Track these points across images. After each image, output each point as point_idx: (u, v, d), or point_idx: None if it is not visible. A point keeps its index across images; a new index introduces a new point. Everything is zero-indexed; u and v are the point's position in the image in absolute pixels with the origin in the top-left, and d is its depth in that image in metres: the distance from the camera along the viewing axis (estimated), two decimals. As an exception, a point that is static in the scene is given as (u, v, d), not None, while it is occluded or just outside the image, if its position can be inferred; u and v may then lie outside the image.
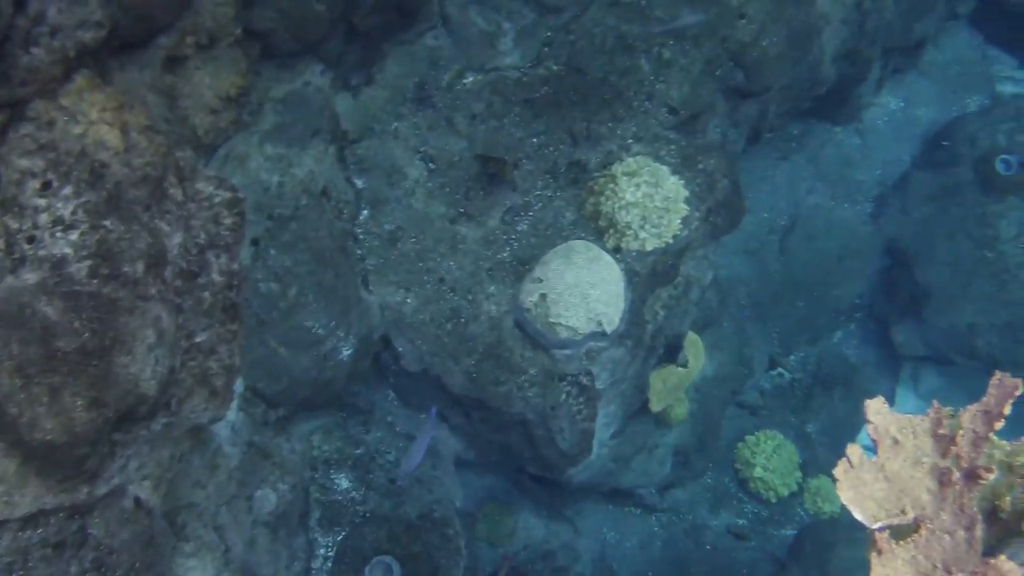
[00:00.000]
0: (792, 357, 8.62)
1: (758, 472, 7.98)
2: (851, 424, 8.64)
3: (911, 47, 8.15)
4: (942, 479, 3.57)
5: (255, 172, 5.40)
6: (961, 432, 3.64)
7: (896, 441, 3.83)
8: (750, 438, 8.15)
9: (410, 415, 6.52)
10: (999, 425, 3.59)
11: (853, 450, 3.65)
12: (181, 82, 4.63)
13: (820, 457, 8.29)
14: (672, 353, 6.56)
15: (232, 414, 5.31)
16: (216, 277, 4.09)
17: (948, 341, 8.11)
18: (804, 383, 8.58)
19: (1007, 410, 3.63)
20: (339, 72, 5.89)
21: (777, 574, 7.74)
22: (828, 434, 8.47)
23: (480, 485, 7.25)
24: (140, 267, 3.65)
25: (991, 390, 3.75)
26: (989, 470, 3.44)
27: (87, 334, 3.40)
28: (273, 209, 5.44)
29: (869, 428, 3.79)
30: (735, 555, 7.87)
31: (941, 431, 3.72)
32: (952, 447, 3.59)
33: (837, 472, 3.56)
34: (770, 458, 8.01)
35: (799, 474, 8.11)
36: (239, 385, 5.39)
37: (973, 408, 3.78)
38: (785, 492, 8.03)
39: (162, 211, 3.91)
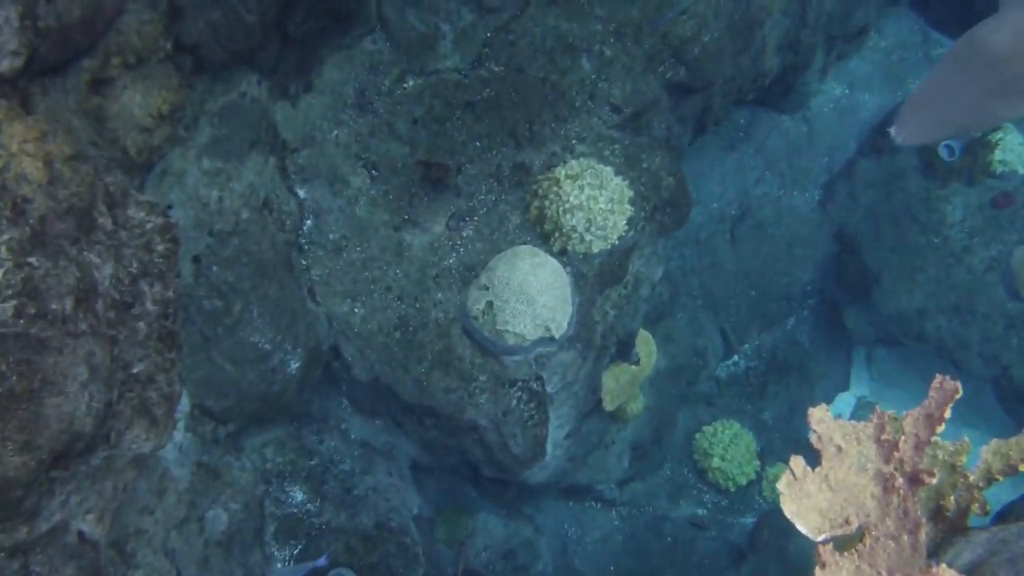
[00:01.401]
0: (746, 345, 8.66)
1: (716, 462, 8.03)
2: (806, 409, 8.67)
3: (853, 34, 8.17)
4: (886, 485, 3.58)
5: (193, 188, 5.30)
6: (904, 437, 3.65)
7: (840, 449, 3.82)
8: (707, 428, 8.20)
9: (364, 421, 6.48)
10: (941, 429, 3.60)
11: (796, 462, 3.63)
12: (109, 103, 4.52)
13: (777, 444, 8.36)
14: (624, 351, 6.55)
15: (179, 435, 5.24)
16: (150, 306, 4.01)
17: (898, 325, 8.18)
18: (759, 371, 8.64)
19: (948, 413, 3.64)
20: (276, 80, 5.79)
21: (737, 562, 7.80)
22: (785, 420, 8.54)
23: (438, 488, 7.23)
24: (69, 303, 3.57)
25: (932, 394, 3.76)
26: (932, 474, 3.46)
27: (15, 377, 3.31)
28: (213, 225, 5.35)
29: (813, 437, 3.79)
30: (696, 545, 7.92)
31: (884, 436, 3.73)
32: (895, 452, 3.60)
33: (780, 486, 3.54)
34: (728, 448, 8.06)
35: (757, 462, 8.17)
36: (185, 405, 5.32)
37: (915, 412, 3.79)
38: (744, 481, 8.09)
39: (91, 242, 3.82)
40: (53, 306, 3.51)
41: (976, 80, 4.29)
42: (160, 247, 4.08)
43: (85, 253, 3.76)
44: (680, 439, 8.12)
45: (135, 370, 4.01)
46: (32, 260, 3.49)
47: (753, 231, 8.33)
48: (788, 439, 8.42)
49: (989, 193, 7.89)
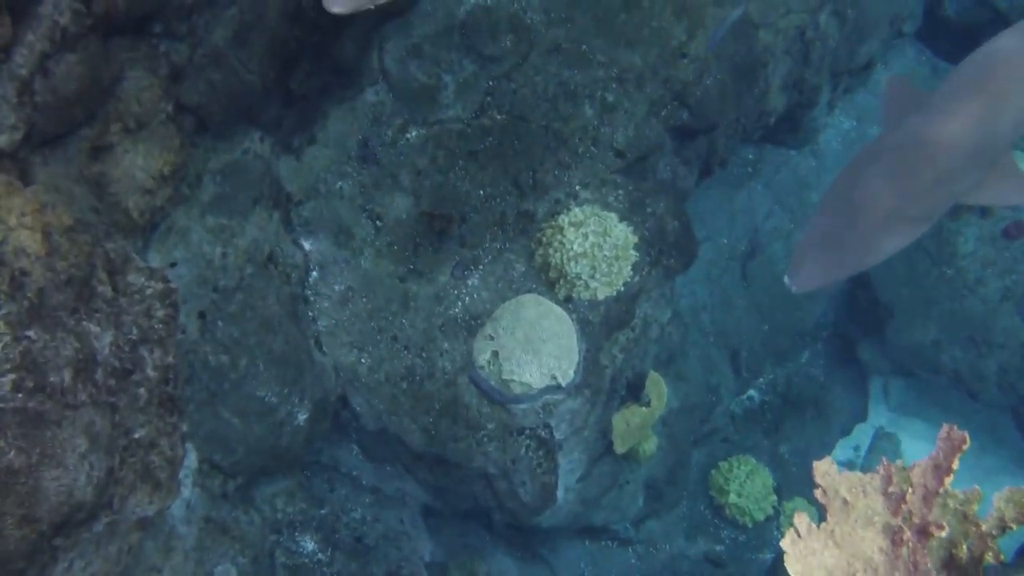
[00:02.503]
0: (761, 380, 8.62)
1: (732, 498, 7.97)
2: (824, 443, 8.66)
3: (859, 69, 8.16)
4: (894, 538, 3.55)
5: (197, 245, 5.35)
6: (912, 488, 3.61)
7: (846, 502, 3.78)
8: (723, 464, 8.15)
9: (375, 468, 6.49)
10: (949, 480, 3.56)
11: (800, 519, 3.59)
12: (110, 168, 4.58)
13: (794, 478, 8.29)
14: (635, 392, 6.54)
15: (187, 491, 5.27)
16: (151, 372, 4.05)
17: (913, 358, 8.13)
18: (774, 405, 8.59)
19: (956, 464, 3.60)
20: (279, 136, 5.85)
21: (756, 600, 7.74)
22: (801, 454, 8.48)
23: (451, 532, 7.21)
24: (67, 375, 3.61)
25: (940, 443, 3.72)
26: (941, 527, 3.42)
27: (13, 452, 3.35)
28: (218, 281, 5.40)
29: (817, 492, 3.75)
30: (713, 584, 7.86)
31: (891, 488, 3.69)
32: (903, 504, 3.56)
33: (784, 544, 3.51)
34: (744, 484, 8.00)
35: (774, 497, 8.11)
36: (192, 460, 5.35)
37: (923, 463, 3.75)
38: (761, 516, 8.03)
39: (90, 310, 3.86)
40: (52, 378, 3.55)
41: (856, 221, 4.35)
42: (160, 313, 4.12)
43: (84, 323, 3.80)
44: (696, 476, 8.08)
45: (137, 435, 4.05)
46: (30, 333, 3.54)
47: (764, 267, 8.30)
48: (805, 473, 8.32)
49: (1000, 224, 7.84)
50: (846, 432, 8.82)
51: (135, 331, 4.04)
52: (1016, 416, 8.10)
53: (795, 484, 8.21)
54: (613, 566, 7.79)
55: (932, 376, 8.15)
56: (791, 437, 8.46)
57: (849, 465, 8.82)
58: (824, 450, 8.66)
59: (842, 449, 8.84)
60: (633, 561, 7.86)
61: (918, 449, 8.84)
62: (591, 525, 7.26)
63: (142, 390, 4.03)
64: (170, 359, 4.11)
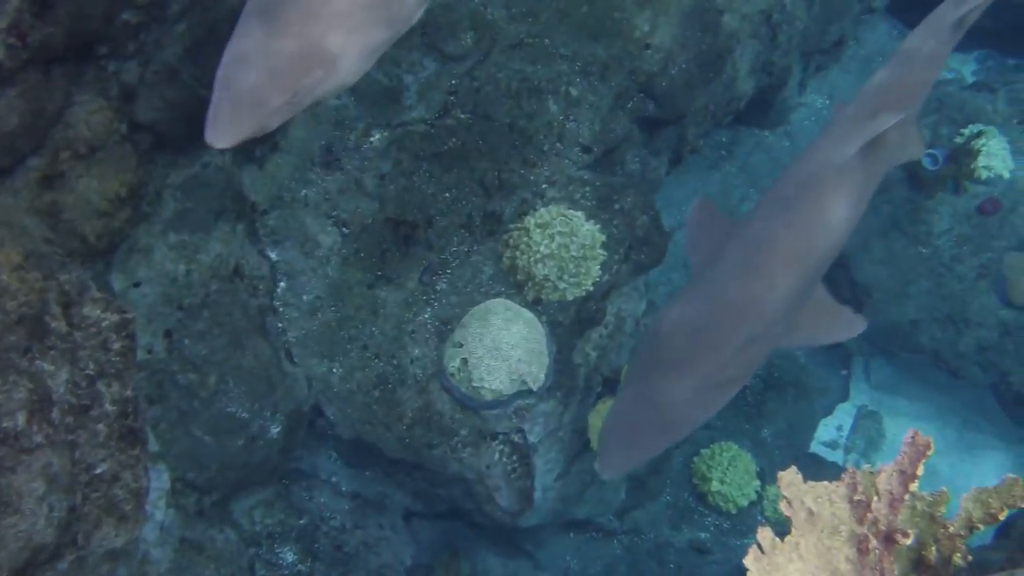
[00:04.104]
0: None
1: (715, 485, 7.95)
2: (806, 424, 8.64)
3: (830, 47, 8.08)
4: (860, 546, 3.52)
5: (160, 263, 5.29)
6: (877, 496, 3.58)
7: (811, 512, 3.74)
8: (705, 451, 8.12)
9: (355, 473, 6.46)
10: (915, 486, 3.54)
11: (763, 534, 3.55)
12: (63, 195, 4.50)
13: (777, 462, 8.27)
14: (612, 388, 6.50)
15: (160, 513, 5.23)
16: (109, 407, 3.99)
17: (893, 338, 8.11)
18: (756, 389, 8.55)
19: (921, 470, 3.57)
20: (241, 145, 5.75)
21: (742, 586, 7.73)
22: (784, 437, 8.46)
23: (434, 532, 7.20)
24: (21, 418, 3.56)
25: (905, 448, 3.68)
26: (906, 534, 3.39)
27: (-34, 503, 3.30)
28: (183, 299, 5.34)
29: (782, 504, 3.70)
30: (700, 571, 7.86)
31: (857, 496, 3.66)
32: (869, 512, 3.53)
33: (747, 562, 3.47)
34: (726, 470, 7.98)
35: (757, 482, 8.09)
36: (165, 481, 5.31)
37: (888, 468, 3.71)
38: (744, 502, 8.01)
39: (44, 348, 3.80)
40: (5, 424, 3.49)
41: (658, 407, 4.01)
42: (116, 345, 4.06)
43: (37, 362, 3.74)
44: (678, 464, 8.05)
45: (99, 471, 3.99)
46: (-20, 379, 3.48)
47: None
48: (788, 456, 8.34)
49: (975, 200, 7.80)
50: (828, 412, 8.81)
51: (91, 366, 3.98)
52: (997, 392, 8.09)
53: (778, 468, 8.16)
54: (598, 557, 7.78)
55: (912, 356, 8.13)
56: (773, 420, 8.43)
57: (832, 445, 8.82)
58: (807, 431, 8.66)
59: (825, 429, 8.83)
60: (618, 552, 7.86)
61: (901, 426, 8.84)
62: (575, 519, 7.25)
63: (101, 425, 3.97)
64: (128, 392, 4.05)
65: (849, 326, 4.53)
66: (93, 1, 4.14)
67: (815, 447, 8.74)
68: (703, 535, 7.99)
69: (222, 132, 3.11)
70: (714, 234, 4.43)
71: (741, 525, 8.03)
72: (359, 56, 3.29)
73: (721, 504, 7.95)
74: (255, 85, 3.07)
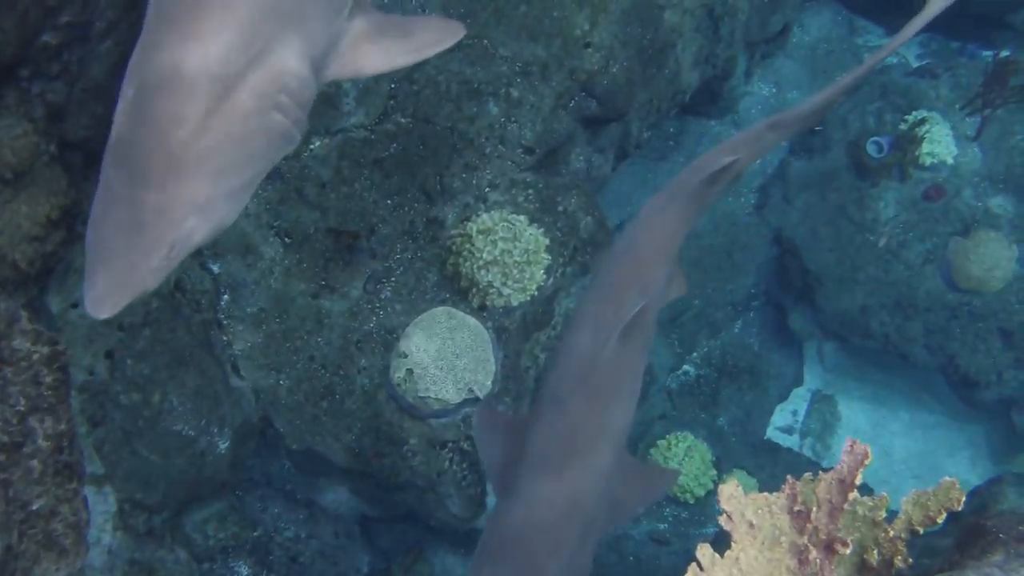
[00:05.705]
0: (695, 353, 8.62)
1: (672, 476, 8.00)
2: (762, 411, 8.70)
3: (774, 35, 8.08)
4: (801, 557, 3.53)
5: (98, 283, 5.19)
6: (817, 505, 3.59)
7: (752, 525, 3.74)
8: (661, 443, 8.16)
9: (309, 481, 6.42)
10: (854, 495, 3.55)
11: (703, 551, 3.54)
12: (-10, 224, 4.41)
13: (733, 449, 8.34)
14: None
15: (107, 536, 5.18)
16: (43, 443, 3.92)
17: (843, 325, 8.17)
18: (710, 378, 8.61)
19: (859, 479, 3.59)
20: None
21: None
22: (740, 424, 8.53)
23: (392, 536, 7.18)
24: (-53, 461, 3.49)
25: (844, 457, 3.69)
26: (846, 543, 3.41)
27: None
28: (123, 319, 5.26)
29: (722, 519, 3.70)
30: (659, 562, 7.91)
31: (797, 507, 3.67)
32: (809, 522, 3.54)
33: (683, 582, 3.46)
34: (683, 461, 8.03)
35: (714, 472, 8.15)
36: (111, 504, 5.25)
37: (828, 477, 3.72)
38: (702, 492, 8.07)
39: (-29, 386, 3.73)
40: (-70, 468, 3.43)
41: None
42: (48, 379, 3.99)
43: (-36, 400, 3.68)
44: (635, 457, 8.09)
45: (35, 507, 3.93)
46: (-97, 424, 3.41)
47: (691, 241, 8.22)
48: (745, 443, 8.40)
49: (920, 187, 7.85)
50: (783, 398, 8.87)
51: (23, 402, 3.91)
52: (945, 375, 8.18)
53: (734, 455, 8.26)
54: (558, 551, 7.80)
55: (863, 341, 8.20)
56: (729, 408, 8.49)
57: (788, 431, 8.89)
58: (763, 418, 8.72)
59: (781, 415, 8.90)
60: (578, 544, 7.88)
61: (855, 409, 8.93)
62: (533, 516, 7.24)
63: (35, 462, 3.91)
64: (63, 426, 3.99)
65: (663, 478, 4.60)
66: (7, 26, 4.04)
67: (771, 433, 8.81)
68: (662, 526, 8.04)
69: (102, 304, 2.94)
70: (502, 437, 4.17)
71: (699, 515, 8.09)
72: (231, 197, 3.04)
73: (679, 494, 8.00)
74: (127, 247, 2.87)
